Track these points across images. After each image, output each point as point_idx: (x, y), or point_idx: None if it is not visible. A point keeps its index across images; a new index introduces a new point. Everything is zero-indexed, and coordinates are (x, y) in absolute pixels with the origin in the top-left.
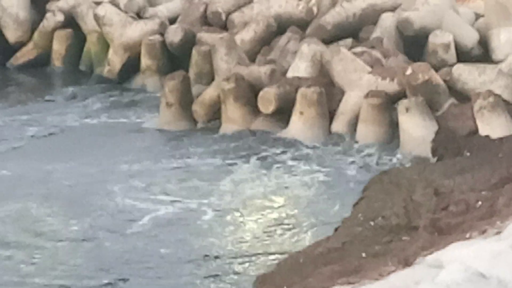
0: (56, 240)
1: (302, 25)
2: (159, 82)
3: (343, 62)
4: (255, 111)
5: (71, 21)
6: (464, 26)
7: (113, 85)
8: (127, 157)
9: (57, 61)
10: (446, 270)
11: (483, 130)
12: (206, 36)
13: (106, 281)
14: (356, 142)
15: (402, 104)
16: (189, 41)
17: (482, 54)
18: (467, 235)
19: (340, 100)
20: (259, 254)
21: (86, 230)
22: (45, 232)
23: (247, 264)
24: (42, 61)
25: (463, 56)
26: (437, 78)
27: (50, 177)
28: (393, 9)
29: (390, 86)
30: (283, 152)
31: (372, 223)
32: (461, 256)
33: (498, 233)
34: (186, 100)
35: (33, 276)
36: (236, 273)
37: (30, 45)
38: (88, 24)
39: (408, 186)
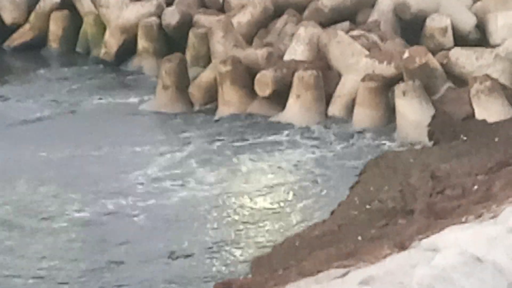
0: (54, 222)
1: (299, 8)
2: (156, 65)
3: (340, 45)
4: (252, 94)
5: (67, 3)
6: (461, 10)
7: (109, 67)
8: (123, 139)
9: (53, 43)
10: (442, 254)
11: (479, 115)
12: (203, 19)
13: (100, 264)
14: (353, 125)
15: (399, 88)
16: (186, 23)
17: (480, 38)
18: (463, 219)
19: (337, 84)
20: (254, 236)
21: (85, 213)
22: (42, 214)
23: (242, 247)
24: (38, 43)
25: (460, 40)
26: (434, 62)
27: (46, 160)
28: None
29: (387, 69)
30: (280, 135)
31: (368, 206)
32: (457, 240)
33: (494, 217)
34: (182, 83)
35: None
36: (231, 254)
37: (26, 27)
38: (85, 6)
39: (404, 170)
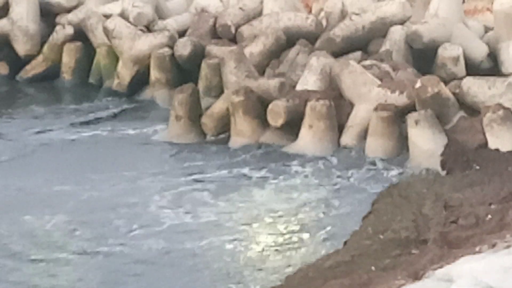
0: (66, 252)
1: (311, 38)
2: (168, 95)
3: (352, 75)
4: (264, 124)
5: (80, 34)
6: (473, 39)
7: (122, 98)
8: (136, 170)
9: (66, 74)
10: (456, 284)
11: (492, 144)
12: (215, 49)
13: None
14: (365, 155)
15: (411, 117)
16: (198, 54)
17: (492, 67)
18: (477, 249)
19: (349, 113)
20: (268, 267)
21: (96, 242)
22: (54, 244)
23: (256, 277)
24: (51, 74)
25: (472, 69)
26: (446, 91)
27: (59, 190)
28: (402, 22)
29: (399, 99)
30: (292, 165)
31: (381, 236)
32: (471, 270)
33: (508, 246)
34: (195, 113)
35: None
36: (244, 285)
37: (39, 58)
38: (97, 37)
39: (418, 200)
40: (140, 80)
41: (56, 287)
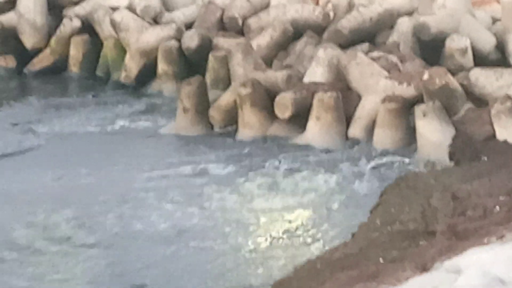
0: (75, 245)
1: (318, 30)
2: (176, 88)
3: (359, 66)
4: (272, 116)
5: (88, 27)
6: (481, 30)
7: (129, 90)
8: (143, 162)
9: (74, 67)
10: (465, 275)
11: (500, 135)
12: (222, 41)
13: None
14: (373, 147)
15: (419, 109)
16: (206, 46)
17: (499, 58)
18: (485, 240)
19: (357, 105)
20: (275, 259)
21: (104, 236)
22: (63, 238)
23: (264, 269)
24: (59, 67)
25: (480, 60)
26: (454, 82)
27: (67, 183)
28: (409, 13)
29: (407, 90)
30: (300, 157)
31: (389, 228)
32: (479, 261)
33: None
34: (202, 106)
35: (57, 283)
36: (254, 276)
37: (47, 51)
38: (104, 30)
39: (425, 191)
40: (148, 72)
41: (66, 280)
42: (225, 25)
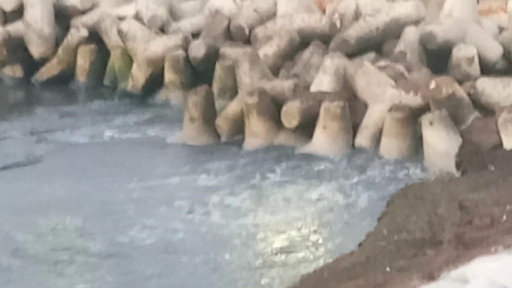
0: (84, 255)
1: (325, 39)
2: (183, 97)
3: (366, 76)
4: (279, 125)
5: (95, 37)
6: (487, 39)
7: (136, 100)
8: (151, 172)
9: (81, 76)
10: (472, 285)
11: (507, 144)
12: (229, 51)
13: None
14: (380, 156)
15: (426, 118)
16: (213, 55)
17: (506, 67)
18: (492, 249)
19: (363, 114)
20: (283, 268)
21: (111, 244)
22: (72, 247)
23: (271, 278)
24: (66, 77)
25: (487, 69)
26: (461, 91)
27: (74, 193)
28: (416, 22)
29: (413, 100)
30: (307, 167)
31: (396, 237)
32: (486, 271)
33: None
34: (209, 115)
35: None
36: (260, 285)
37: (54, 61)
38: (112, 40)
39: (432, 200)
40: (155, 82)
41: None
42: (232, 35)
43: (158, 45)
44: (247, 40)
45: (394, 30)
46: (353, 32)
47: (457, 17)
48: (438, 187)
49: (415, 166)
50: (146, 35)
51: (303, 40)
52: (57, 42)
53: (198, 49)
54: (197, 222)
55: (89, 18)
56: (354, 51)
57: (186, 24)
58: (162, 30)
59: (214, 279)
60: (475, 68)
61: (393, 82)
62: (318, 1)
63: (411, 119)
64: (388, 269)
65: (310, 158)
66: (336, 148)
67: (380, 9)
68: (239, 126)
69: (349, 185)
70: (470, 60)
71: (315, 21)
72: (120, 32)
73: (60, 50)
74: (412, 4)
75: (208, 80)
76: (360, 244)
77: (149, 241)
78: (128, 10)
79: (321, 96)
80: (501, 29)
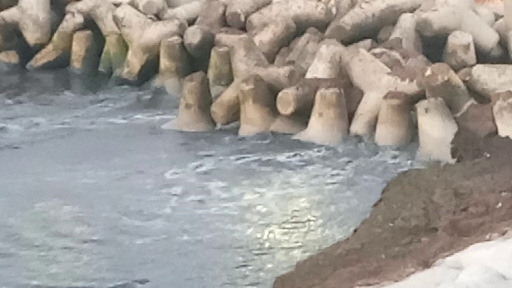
0: (79, 241)
1: (321, 26)
2: (178, 84)
3: (362, 63)
4: (274, 112)
5: (90, 23)
6: (483, 26)
7: (132, 86)
8: (146, 158)
9: (76, 63)
10: (466, 272)
11: (503, 131)
12: (225, 38)
13: (125, 282)
14: (375, 143)
15: (421, 105)
16: (208, 42)
17: (502, 54)
18: (487, 236)
19: (359, 101)
20: (277, 255)
21: (106, 230)
22: (66, 233)
23: (266, 264)
24: (61, 63)
25: (482, 57)
26: (456, 79)
27: (68, 179)
28: (412, 10)
29: (409, 87)
30: (302, 153)
31: (391, 224)
32: (481, 258)
33: None
34: (205, 102)
35: (57, 277)
36: (254, 272)
37: (49, 47)
38: (107, 26)
39: (428, 188)
40: (150, 68)
41: (67, 274)
42: (227, 21)
43: (154, 32)
44: (243, 27)
45: (390, 17)
46: (349, 19)
47: (453, 4)
48: (434, 174)
49: (410, 153)
50: (141, 22)
51: (299, 27)
52: (53, 28)
53: (193, 35)
54: (192, 208)
55: (84, 4)
56: (350, 38)
57: (182, 11)
58: (158, 16)
59: (208, 262)
60: (471, 56)
61: (388, 69)
62: None
63: (407, 106)
64: (383, 256)
65: (305, 145)
66: (332, 135)
67: None
68: (234, 113)
69: (343, 172)
70: (466, 48)
71: (311, 8)
72: (115, 18)
73: (55, 37)
74: None
75: (204, 67)
76: (355, 231)
77: (144, 227)
78: None
79: (316, 83)
80: (497, 17)
